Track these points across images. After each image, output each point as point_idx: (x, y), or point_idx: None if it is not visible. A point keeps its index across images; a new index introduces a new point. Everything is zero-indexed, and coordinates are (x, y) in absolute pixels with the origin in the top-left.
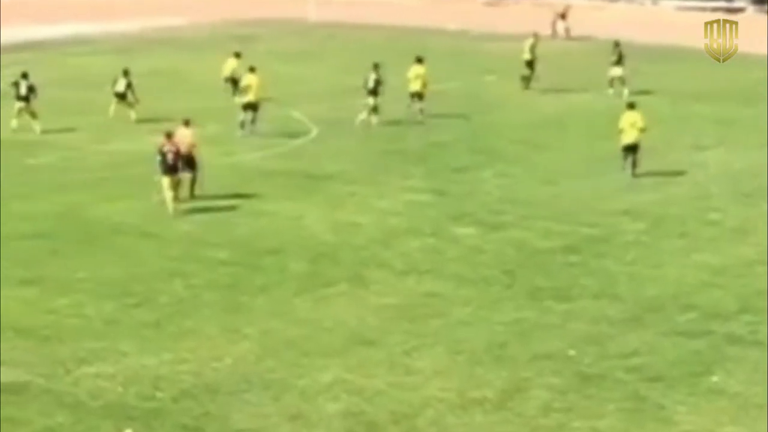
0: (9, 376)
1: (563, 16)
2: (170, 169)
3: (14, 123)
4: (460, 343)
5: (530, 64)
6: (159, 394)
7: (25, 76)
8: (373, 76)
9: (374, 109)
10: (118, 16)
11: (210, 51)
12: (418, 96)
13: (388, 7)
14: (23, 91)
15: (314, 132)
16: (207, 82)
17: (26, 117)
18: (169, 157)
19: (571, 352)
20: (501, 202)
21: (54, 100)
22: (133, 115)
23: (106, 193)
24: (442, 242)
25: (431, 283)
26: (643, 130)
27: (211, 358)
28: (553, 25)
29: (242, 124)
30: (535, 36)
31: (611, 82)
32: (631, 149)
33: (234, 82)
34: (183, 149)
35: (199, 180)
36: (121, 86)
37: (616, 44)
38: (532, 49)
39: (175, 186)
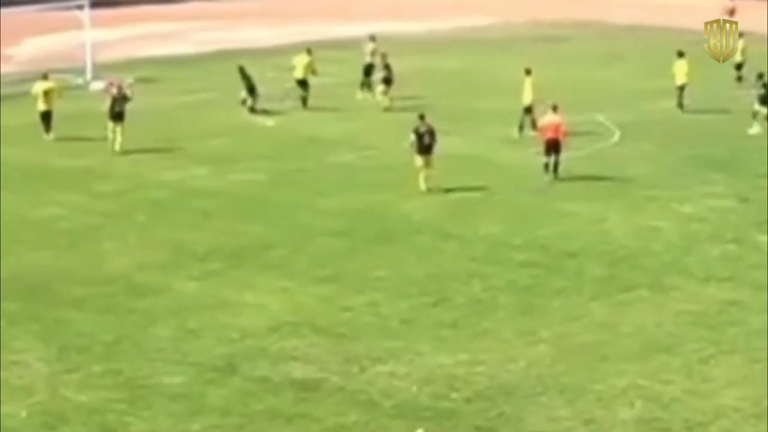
0: (304, 372)
1: (731, 13)
2: (424, 149)
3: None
4: (757, 351)
5: (739, 66)
6: (453, 395)
7: (242, 70)
8: (759, 85)
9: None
10: (427, 16)
11: (516, 52)
12: (681, 89)
13: (695, 10)
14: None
15: (617, 136)
16: (511, 82)
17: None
18: (426, 138)
19: None
20: None
21: (351, 98)
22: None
23: (407, 192)
24: (744, 249)
25: (730, 290)
26: None
27: (506, 359)
28: None
29: (520, 127)
30: (742, 36)
31: None
32: None
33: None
34: (550, 134)
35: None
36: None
37: None
38: (744, 51)
39: (426, 166)
